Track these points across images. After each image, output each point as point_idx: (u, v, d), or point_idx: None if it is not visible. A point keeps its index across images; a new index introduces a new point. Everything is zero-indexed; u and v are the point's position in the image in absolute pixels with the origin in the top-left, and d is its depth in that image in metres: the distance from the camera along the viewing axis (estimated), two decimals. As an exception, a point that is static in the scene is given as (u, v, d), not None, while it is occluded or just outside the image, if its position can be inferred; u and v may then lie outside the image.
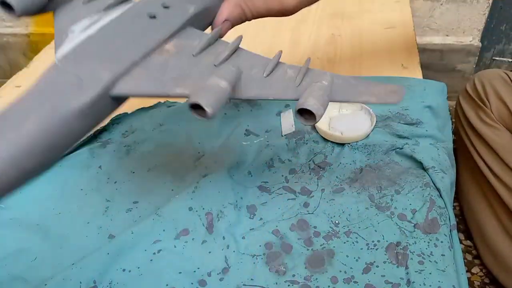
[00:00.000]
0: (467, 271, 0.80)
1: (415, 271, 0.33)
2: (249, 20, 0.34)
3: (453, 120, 0.87)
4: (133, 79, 0.26)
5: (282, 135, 0.46)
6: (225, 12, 0.33)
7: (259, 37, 0.66)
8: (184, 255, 0.35)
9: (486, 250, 0.76)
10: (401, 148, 0.43)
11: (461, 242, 0.85)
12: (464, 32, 1.06)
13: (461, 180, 0.83)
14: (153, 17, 0.30)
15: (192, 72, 0.27)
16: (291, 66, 0.29)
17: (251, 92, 0.27)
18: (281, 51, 0.30)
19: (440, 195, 0.39)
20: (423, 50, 1.04)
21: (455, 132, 0.85)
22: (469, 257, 0.84)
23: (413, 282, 0.32)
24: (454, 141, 0.94)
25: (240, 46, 0.30)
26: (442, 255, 0.34)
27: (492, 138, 0.70)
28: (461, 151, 0.83)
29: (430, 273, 0.33)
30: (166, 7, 0.31)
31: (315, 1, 0.36)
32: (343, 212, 0.38)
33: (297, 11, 0.35)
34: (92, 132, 0.47)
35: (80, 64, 0.26)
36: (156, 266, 0.34)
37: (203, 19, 0.33)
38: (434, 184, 0.40)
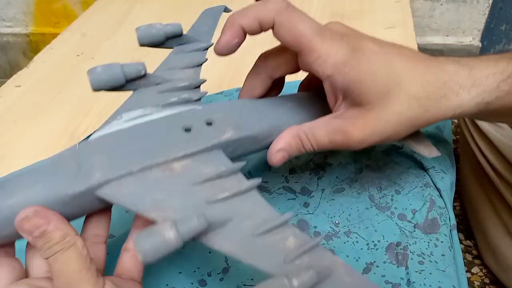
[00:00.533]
0: (467, 271, 0.81)
1: (415, 271, 0.33)
2: (310, 152, 0.31)
3: (455, 119, 0.87)
4: (119, 188, 0.25)
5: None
6: (281, 141, 0.30)
7: (260, 35, 0.66)
8: (184, 255, 0.35)
9: (488, 249, 0.76)
10: (401, 148, 0.43)
11: (461, 242, 0.86)
12: (464, 32, 1.06)
13: (463, 179, 0.83)
14: (187, 130, 0.28)
15: (177, 202, 0.25)
16: (298, 235, 0.24)
17: (225, 245, 0.24)
18: (293, 214, 0.26)
19: (440, 195, 0.39)
20: (423, 50, 1.04)
21: (458, 130, 0.85)
22: (469, 257, 0.84)
23: (413, 282, 0.32)
24: (457, 140, 0.94)
25: (255, 188, 0.27)
26: (442, 255, 0.34)
27: (496, 136, 0.69)
28: (464, 149, 0.83)
29: (430, 273, 0.33)
30: (208, 124, 0.29)
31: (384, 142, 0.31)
32: (343, 212, 0.38)
33: (365, 147, 0.30)
34: (92, 132, 0.47)
35: (89, 156, 0.26)
36: (156, 266, 0.34)
37: (247, 145, 0.30)
38: (434, 184, 0.40)
